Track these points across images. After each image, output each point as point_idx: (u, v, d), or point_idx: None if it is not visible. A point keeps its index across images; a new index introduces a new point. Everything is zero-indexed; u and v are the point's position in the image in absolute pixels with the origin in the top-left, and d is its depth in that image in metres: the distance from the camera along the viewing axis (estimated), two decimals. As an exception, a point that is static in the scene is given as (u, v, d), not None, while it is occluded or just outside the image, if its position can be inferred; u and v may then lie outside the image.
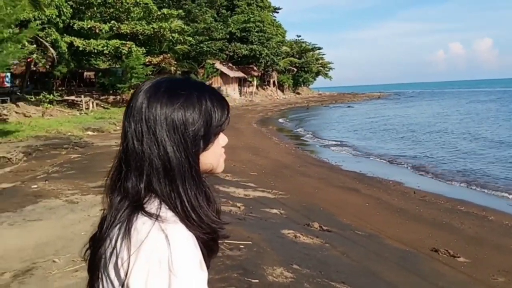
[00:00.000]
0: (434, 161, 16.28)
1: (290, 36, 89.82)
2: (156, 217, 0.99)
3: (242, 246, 4.59)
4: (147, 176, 1.03)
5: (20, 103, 27.32)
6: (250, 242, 4.77)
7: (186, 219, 1.02)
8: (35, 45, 26.87)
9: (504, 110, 42.03)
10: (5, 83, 32.23)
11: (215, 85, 54.90)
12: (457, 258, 6.16)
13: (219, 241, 1.16)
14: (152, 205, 1.03)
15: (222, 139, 1.16)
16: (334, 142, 22.48)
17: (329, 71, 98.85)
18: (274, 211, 7.50)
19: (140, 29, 36.83)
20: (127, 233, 0.99)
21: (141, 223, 0.99)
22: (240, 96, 63.20)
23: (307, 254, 5.05)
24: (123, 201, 1.05)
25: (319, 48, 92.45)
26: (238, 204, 7.32)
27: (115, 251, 0.99)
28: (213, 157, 1.13)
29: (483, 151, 18.05)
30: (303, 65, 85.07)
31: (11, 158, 13.20)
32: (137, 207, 1.02)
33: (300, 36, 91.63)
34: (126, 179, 1.05)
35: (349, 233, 6.76)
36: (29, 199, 7.95)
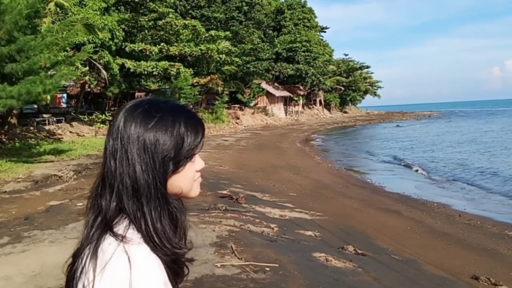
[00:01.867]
0: (483, 182, 15.61)
1: (337, 55, 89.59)
2: (121, 238, 1.02)
3: (267, 269, 4.55)
4: (118, 194, 1.05)
5: (74, 123, 28.55)
6: (277, 265, 4.72)
7: (149, 240, 1.04)
8: (87, 67, 28.09)
9: None
10: (62, 103, 33.90)
11: (260, 105, 55.80)
12: (499, 286, 5.85)
13: (187, 264, 1.17)
14: (121, 225, 1.05)
15: (198, 163, 1.17)
16: (378, 162, 22.05)
17: (377, 89, 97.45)
18: (309, 233, 7.41)
19: (188, 50, 37.81)
20: (94, 253, 1.02)
21: (107, 244, 1.02)
22: (286, 115, 63.30)
23: (336, 279, 4.94)
24: (97, 219, 1.08)
25: (367, 67, 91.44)
26: (272, 225, 7.28)
27: (84, 270, 1.02)
28: (185, 180, 1.13)
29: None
30: (351, 84, 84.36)
31: (62, 176, 13.75)
32: (107, 227, 1.05)
33: (347, 55, 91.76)
34: (101, 196, 1.08)
35: (385, 257, 6.56)
36: (73, 217, 8.21)
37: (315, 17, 74.18)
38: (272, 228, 7.11)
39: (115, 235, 1.03)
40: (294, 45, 61.31)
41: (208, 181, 12.39)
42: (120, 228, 1.05)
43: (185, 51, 37.79)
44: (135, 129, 1.06)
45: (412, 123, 61.89)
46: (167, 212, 1.09)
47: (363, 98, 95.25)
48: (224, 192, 10.12)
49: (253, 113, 51.87)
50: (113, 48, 30.35)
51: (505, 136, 35.21)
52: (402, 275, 5.66)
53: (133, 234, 1.03)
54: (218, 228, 6.08)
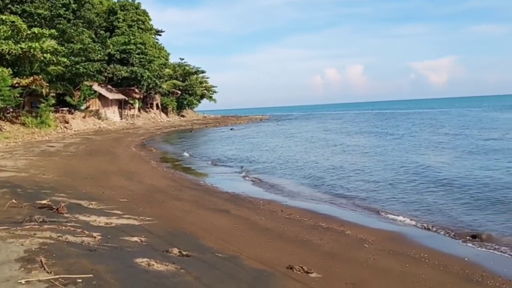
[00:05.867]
0: (300, 177, 17.02)
1: (174, 59, 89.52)
2: None
3: (80, 281, 4.29)
4: None
5: None
6: (91, 275, 4.50)
7: None
8: None
9: (345, 128, 45.64)
10: None
11: (93, 108, 53.13)
12: (310, 274, 6.42)
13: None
14: None
15: None
16: (212, 164, 22.63)
17: (213, 94, 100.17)
18: (135, 239, 7.23)
19: (6, 48, 34.23)
20: None
21: None
22: (121, 119, 61.22)
23: (156, 282, 4.89)
24: None
25: (203, 72, 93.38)
26: (95, 234, 6.93)
27: None
28: None
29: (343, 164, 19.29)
30: (187, 87, 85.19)
31: None
32: None
33: (183, 59, 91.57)
34: None
35: (209, 256, 6.72)
36: None
37: (150, 19, 73.25)
38: (95, 237, 6.76)
39: None
40: (128, 47, 59.67)
41: (26, 191, 11.35)
42: None
43: (2, 49, 34.11)
44: None
45: (245, 126, 64.85)
46: None
47: (200, 102, 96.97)
48: (44, 202, 9.34)
49: (84, 117, 48.97)
50: None
51: (315, 134, 39.15)
52: (223, 272, 5.85)
53: None
54: (29, 242, 5.56)
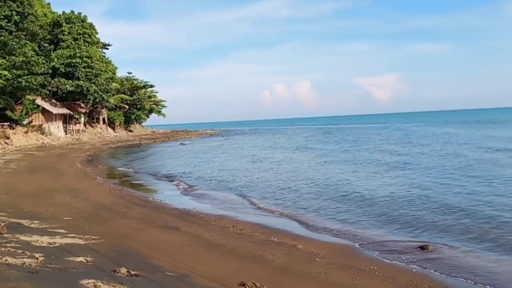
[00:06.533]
0: (252, 192, 17.01)
1: (121, 73, 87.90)
2: None
3: (20, 306, 4.05)
4: None
5: None
6: (32, 300, 4.25)
7: None
8: None
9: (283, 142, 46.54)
10: None
11: (36, 123, 51.06)
12: (262, 290, 6.36)
13: None
14: None
15: None
16: (161, 180, 22.23)
17: (162, 108, 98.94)
18: (80, 259, 6.93)
19: None
20: None
21: None
22: (66, 134, 59.25)
23: (102, 305, 4.69)
24: None
25: (151, 86, 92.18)
26: (37, 255, 6.59)
27: None
28: None
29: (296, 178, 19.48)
30: (135, 102, 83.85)
31: None
32: None
33: (131, 73, 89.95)
34: None
35: (159, 275, 6.54)
36: None
37: (97, 32, 71.64)
38: (37, 258, 6.43)
39: None
40: (74, 60, 58.10)
41: (-39, 212, 10.68)
42: None
43: None
44: None
45: (196, 141, 64.36)
46: None
47: (148, 116, 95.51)
48: (-20, 222, 8.81)
49: (26, 132, 46.96)
50: None
51: (261, 150, 39.52)
52: (174, 291, 5.70)
53: None
54: (-37, 266, 5.21)
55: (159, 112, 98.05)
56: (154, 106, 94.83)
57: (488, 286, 7.06)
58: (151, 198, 16.26)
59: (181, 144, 56.47)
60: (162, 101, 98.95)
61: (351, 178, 20.12)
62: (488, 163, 23.13)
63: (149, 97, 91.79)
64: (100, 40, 75.48)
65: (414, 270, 7.78)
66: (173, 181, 21.76)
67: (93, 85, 60.34)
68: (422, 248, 9.20)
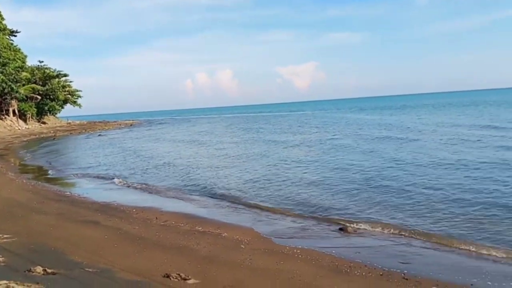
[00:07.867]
0: (174, 180, 16.76)
1: (32, 62, 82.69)
2: None
3: None
4: None
5: None
6: None
7: None
8: None
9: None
10: None
11: None
12: (188, 280, 6.29)
13: None
14: None
15: None
16: (79, 173, 21.25)
17: (78, 98, 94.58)
18: (-10, 260, 6.45)
19: None
20: None
21: None
22: (-29, 127, 54.90)
23: (16, 307, 4.39)
24: None
25: (65, 75, 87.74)
26: None
27: None
28: None
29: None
30: (48, 92, 79.42)
31: None
32: None
33: (43, 61, 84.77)
34: None
35: (78, 272, 6.25)
36: None
37: (3, 18, 66.73)
38: None
39: None
40: (-23, 48, 53.80)
41: None
42: None
43: None
44: None
45: (114, 132, 62.21)
46: None
47: (63, 107, 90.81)
48: None
49: None
50: None
51: (185, 137, 39.15)
52: (94, 288, 5.47)
53: None
54: None
55: (74, 103, 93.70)
56: (69, 96, 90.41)
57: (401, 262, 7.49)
58: (68, 192, 15.52)
59: (99, 135, 54.46)
60: (78, 91, 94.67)
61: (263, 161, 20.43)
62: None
63: (63, 87, 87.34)
64: (7, 27, 70.39)
65: (334, 252, 8.06)
66: (91, 173, 20.90)
67: (1, 75, 56.28)
68: (342, 229, 9.57)
